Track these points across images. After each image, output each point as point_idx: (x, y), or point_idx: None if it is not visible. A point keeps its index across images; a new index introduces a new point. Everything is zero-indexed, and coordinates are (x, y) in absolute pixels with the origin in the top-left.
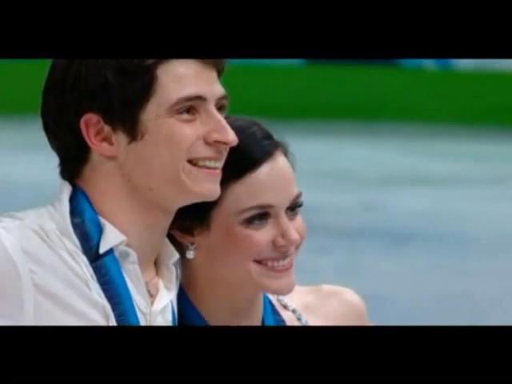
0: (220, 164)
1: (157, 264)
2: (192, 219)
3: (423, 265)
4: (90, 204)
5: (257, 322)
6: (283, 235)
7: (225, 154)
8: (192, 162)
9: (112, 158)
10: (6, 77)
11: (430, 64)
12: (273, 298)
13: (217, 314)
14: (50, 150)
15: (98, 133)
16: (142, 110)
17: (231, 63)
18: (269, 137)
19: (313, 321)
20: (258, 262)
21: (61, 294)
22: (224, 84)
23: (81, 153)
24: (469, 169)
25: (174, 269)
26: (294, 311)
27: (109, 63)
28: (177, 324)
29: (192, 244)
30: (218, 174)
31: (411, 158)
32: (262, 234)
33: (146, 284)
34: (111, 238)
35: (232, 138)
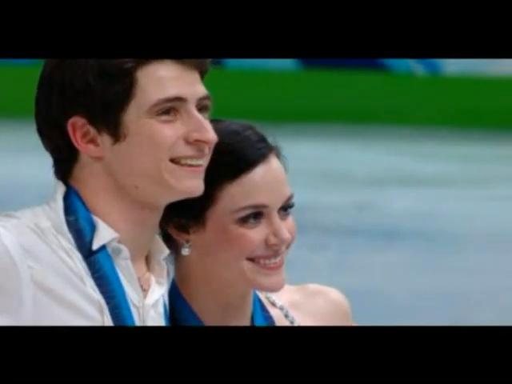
0: (203, 161)
1: (148, 260)
2: (188, 218)
3: (412, 261)
4: (83, 203)
5: (247, 318)
6: (275, 234)
7: (207, 152)
8: (174, 160)
9: (98, 158)
10: (14, 80)
11: (419, 69)
12: (261, 295)
13: (209, 310)
14: None
15: (84, 135)
16: (124, 112)
17: (228, 69)
18: (263, 140)
19: (299, 318)
20: (251, 259)
21: (58, 289)
22: (220, 89)
23: (70, 154)
24: (456, 170)
25: (164, 264)
26: (281, 308)
27: (91, 67)
28: (168, 317)
29: (187, 242)
30: (200, 171)
31: (401, 159)
32: (256, 233)
33: (139, 279)
34: (104, 235)
35: (212, 136)
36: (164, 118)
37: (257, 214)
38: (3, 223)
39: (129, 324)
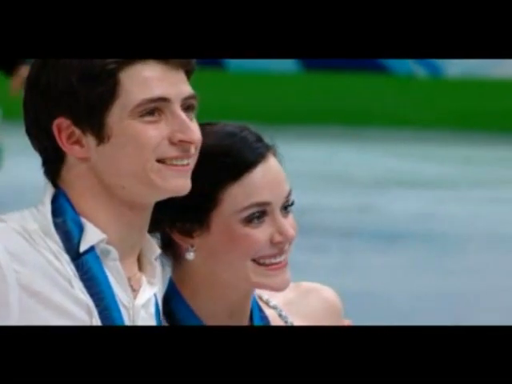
0: (189, 161)
1: (139, 259)
2: (192, 222)
3: (413, 263)
4: (71, 204)
5: (246, 319)
6: (280, 232)
7: (194, 152)
8: (160, 161)
9: (84, 159)
10: None
11: (420, 71)
12: (255, 294)
13: (210, 311)
14: None
15: (69, 136)
16: (107, 113)
17: (229, 71)
18: (260, 139)
19: (293, 316)
20: (256, 261)
21: (45, 293)
22: (221, 91)
23: (57, 155)
24: (456, 172)
25: (156, 264)
26: (275, 307)
27: (74, 68)
28: (160, 317)
29: (192, 246)
30: (187, 170)
31: (402, 161)
32: (260, 232)
33: (129, 279)
34: (91, 236)
35: (196, 136)
36: (148, 118)
37: (260, 213)
38: None
39: (118, 324)
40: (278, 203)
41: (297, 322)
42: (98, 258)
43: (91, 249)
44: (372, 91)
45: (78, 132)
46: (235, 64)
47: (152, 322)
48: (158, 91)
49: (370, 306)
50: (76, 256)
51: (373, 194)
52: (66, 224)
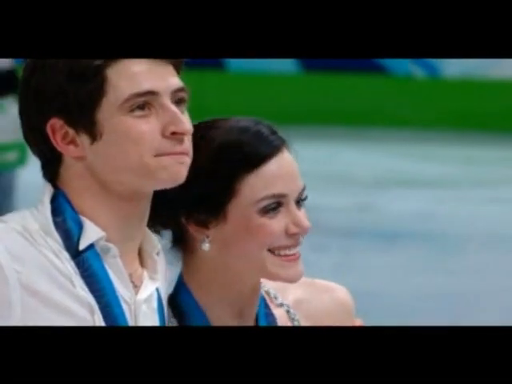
0: (185, 148)
1: (141, 255)
2: (208, 213)
3: (413, 263)
4: (70, 203)
5: (252, 316)
6: (295, 223)
7: (187, 142)
8: (157, 155)
9: (80, 158)
10: None
11: (418, 72)
12: (262, 290)
13: (216, 304)
14: None
15: (63, 136)
16: (97, 110)
17: (229, 71)
18: (274, 133)
19: (301, 313)
20: (272, 251)
21: (46, 292)
22: (221, 92)
23: (54, 156)
24: (456, 172)
25: (157, 259)
26: (281, 304)
27: (62, 68)
28: (164, 311)
29: (207, 237)
30: (184, 157)
31: (402, 161)
32: (276, 223)
33: (130, 275)
34: (90, 234)
35: (188, 127)
36: (137, 113)
37: (276, 204)
38: None
39: (120, 321)
40: (292, 196)
41: (304, 319)
42: (98, 255)
43: (91, 246)
44: (371, 92)
45: (71, 132)
46: (236, 65)
47: (154, 317)
48: (146, 85)
49: (369, 306)
50: (76, 254)
51: (373, 194)
52: (66, 223)
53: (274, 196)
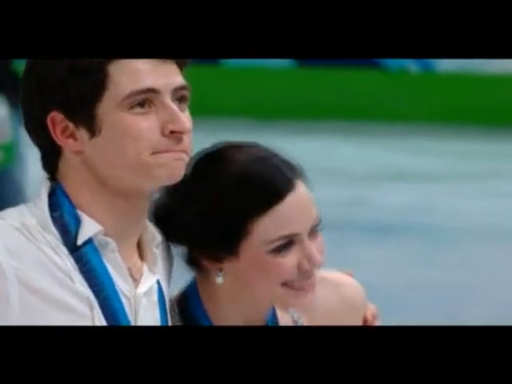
0: (184, 147)
1: (140, 248)
2: (221, 250)
3: (406, 256)
4: (68, 198)
5: (262, 323)
6: (308, 259)
7: (186, 141)
8: (155, 153)
9: (79, 152)
10: None
11: (413, 67)
12: None
13: (225, 319)
14: None
15: (63, 130)
16: (97, 105)
17: (224, 66)
18: (290, 167)
19: (309, 320)
20: (285, 284)
21: (45, 288)
22: (216, 86)
23: (54, 149)
24: (449, 166)
25: (157, 251)
26: (288, 311)
27: (64, 62)
28: (165, 303)
29: (221, 270)
30: (182, 155)
31: (395, 155)
32: (289, 260)
33: (130, 269)
34: (88, 228)
35: (187, 125)
36: (138, 110)
37: (288, 243)
38: None
39: (120, 316)
40: (305, 231)
41: (307, 316)
42: (96, 249)
43: (89, 241)
44: (366, 86)
45: (71, 125)
46: (231, 59)
47: (155, 310)
48: (147, 82)
49: None
50: (74, 249)
51: (366, 188)
52: (64, 217)
53: (286, 237)
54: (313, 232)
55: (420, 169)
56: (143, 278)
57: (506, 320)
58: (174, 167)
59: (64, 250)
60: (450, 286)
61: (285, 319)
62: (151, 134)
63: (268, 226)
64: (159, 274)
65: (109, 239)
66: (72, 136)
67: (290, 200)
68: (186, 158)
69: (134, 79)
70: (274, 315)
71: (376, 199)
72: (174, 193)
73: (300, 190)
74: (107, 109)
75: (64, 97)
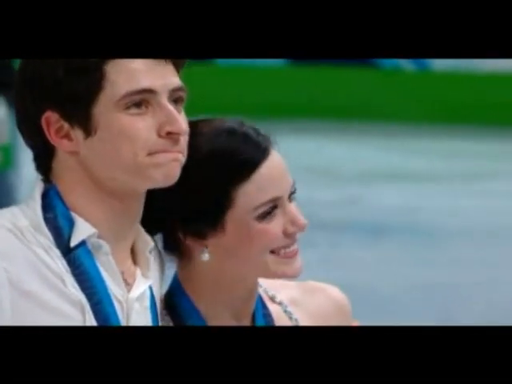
0: (180, 148)
1: (133, 253)
2: (205, 224)
3: (400, 256)
4: (61, 199)
5: (249, 315)
6: (293, 222)
7: (183, 142)
8: (151, 154)
9: (73, 153)
10: None
11: (407, 65)
12: (260, 289)
13: (213, 308)
14: None
15: (58, 130)
16: (93, 105)
17: (217, 65)
18: (260, 134)
19: (299, 314)
20: (273, 252)
21: (36, 291)
22: (210, 85)
23: (47, 149)
24: (442, 165)
25: (150, 256)
26: (280, 303)
27: (60, 61)
28: (157, 309)
29: (206, 247)
30: (178, 156)
31: (389, 155)
32: (275, 226)
33: (123, 273)
34: (82, 231)
35: (184, 127)
36: (134, 111)
37: (272, 208)
38: None
39: (112, 320)
40: (286, 195)
41: (304, 319)
42: (89, 252)
43: (82, 243)
44: (359, 85)
45: (66, 126)
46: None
47: (147, 315)
48: (143, 83)
49: (357, 299)
50: (67, 251)
51: (359, 188)
52: (57, 219)
53: (269, 201)
54: (290, 199)
55: (413, 169)
56: (136, 282)
57: (498, 318)
58: (170, 168)
59: (57, 252)
60: (443, 285)
61: (274, 308)
62: (148, 134)
63: (250, 194)
64: (152, 279)
65: (102, 242)
66: (67, 136)
67: (266, 166)
68: (182, 159)
69: (130, 79)
70: (264, 306)
71: (369, 199)
72: None
73: (274, 156)
74: (103, 109)
75: (59, 96)
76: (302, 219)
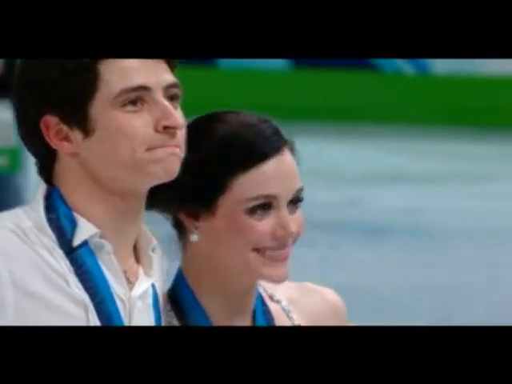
0: (178, 143)
1: (136, 251)
2: (199, 205)
3: (400, 256)
4: (64, 200)
5: (249, 312)
6: (282, 227)
7: (180, 136)
8: (149, 149)
9: (74, 154)
10: None
11: (408, 69)
12: (260, 288)
13: (213, 299)
14: None
15: (57, 133)
16: (89, 105)
17: (220, 69)
18: (277, 133)
19: (296, 314)
20: (257, 250)
21: (40, 292)
22: (212, 88)
23: (48, 152)
24: (443, 167)
25: (153, 255)
26: (278, 301)
27: (55, 64)
28: (159, 307)
29: (196, 228)
30: (177, 150)
31: (389, 157)
32: (263, 224)
33: (125, 272)
34: (84, 231)
35: (180, 121)
36: (129, 108)
37: (266, 205)
38: None
39: (115, 318)
40: (285, 198)
41: (301, 319)
42: (92, 252)
43: (85, 243)
44: (361, 89)
45: (65, 128)
46: (226, 62)
47: (149, 313)
48: (138, 80)
49: (356, 299)
50: (70, 251)
51: (360, 189)
52: (60, 220)
53: (263, 197)
54: (294, 203)
55: (413, 170)
56: (138, 281)
57: (498, 318)
58: (169, 163)
59: (60, 252)
60: (442, 286)
61: (274, 306)
62: (145, 130)
63: (248, 184)
64: (154, 278)
65: (104, 241)
66: (66, 138)
67: (273, 163)
68: (181, 154)
69: (124, 77)
70: (264, 304)
71: (369, 201)
72: None
73: (285, 156)
74: (100, 108)
75: (56, 98)
76: (292, 226)
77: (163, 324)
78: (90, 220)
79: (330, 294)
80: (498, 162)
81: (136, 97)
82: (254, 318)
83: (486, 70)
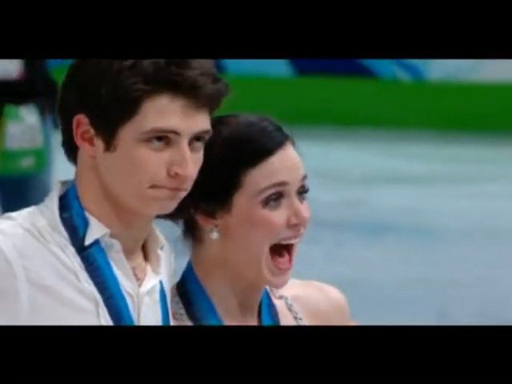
0: (184, 186)
1: (145, 250)
2: (215, 203)
3: (399, 254)
4: (78, 200)
5: (255, 306)
6: (296, 214)
7: (186, 187)
8: (154, 186)
9: (92, 157)
10: None
11: (403, 76)
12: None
13: (222, 293)
14: None
15: (84, 133)
16: (120, 127)
17: (226, 75)
18: (279, 129)
19: (300, 311)
20: (272, 247)
21: (52, 286)
22: None
23: (73, 148)
24: (441, 169)
25: (161, 253)
26: (283, 298)
27: (107, 82)
28: (167, 303)
29: (216, 226)
30: (180, 192)
31: (390, 159)
32: (278, 215)
33: (134, 269)
34: (95, 230)
35: (191, 172)
36: (153, 145)
37: (277, 195)
38: None
39: (124, 313)
40: (294, 185)
41: (304, 316)
42: (102, 250)
43: (96, 242)
44: (360, 95)
45: (92, 131)
46: (231, 68)
47: (156, 308)
48: (170, 123)
49: (358, 295)
50: (82, 249)
51: (362, 190)
52: (73, 219)
53: (275, 185)
54: (300, 194)
55: (412, 172)
56: (146, 277)
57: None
58: (167, 203)
59: (72, 250)
60: (441, 282)
61: (278, 302)
62: (158, 170)
63: (259, 177)
64: (162, 275)
65: (114, 241)
66: (90, 141)
67: (279, 156)
68: (182, 195)
69: (159, 116)
70: (269, 299)
71: (371, 201)
72: None
73: (288, 149)
74: (128, 133)
75: (95, 107)
76: (305, 212)
77: (170, 313)
78: (101, 220)
79: (334, 292)
80: (492, 165)
81: (163, 136)
82: (259, 312)
83: (481, 77)
